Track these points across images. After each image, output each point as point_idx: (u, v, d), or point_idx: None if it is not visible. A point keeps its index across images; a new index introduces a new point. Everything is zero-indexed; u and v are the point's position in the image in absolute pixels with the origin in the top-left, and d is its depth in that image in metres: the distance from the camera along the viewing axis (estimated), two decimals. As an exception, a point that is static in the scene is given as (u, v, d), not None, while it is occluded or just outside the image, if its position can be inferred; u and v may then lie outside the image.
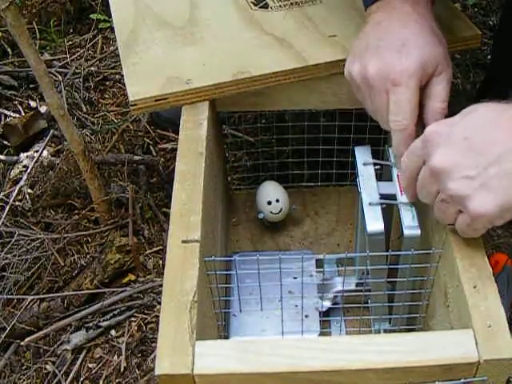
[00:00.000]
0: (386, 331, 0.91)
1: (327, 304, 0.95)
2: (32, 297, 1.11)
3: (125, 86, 0.92)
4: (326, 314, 0.95)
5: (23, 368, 1.05)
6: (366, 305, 0.89)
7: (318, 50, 0.93)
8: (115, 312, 1.09)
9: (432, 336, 0.68)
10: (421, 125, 0.76)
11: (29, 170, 1.31)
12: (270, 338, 0.89)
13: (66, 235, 1.19)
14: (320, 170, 1.11)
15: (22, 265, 1.14)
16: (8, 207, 1.23)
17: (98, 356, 1.06)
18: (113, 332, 1.08)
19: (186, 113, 0.89)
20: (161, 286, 0.73)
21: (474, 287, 0.67)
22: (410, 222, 0.76)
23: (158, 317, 1.06)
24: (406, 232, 0.75)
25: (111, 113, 1.48)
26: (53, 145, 1.40)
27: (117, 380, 1.02)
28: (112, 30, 1.65)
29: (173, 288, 0.68)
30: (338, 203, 1.15)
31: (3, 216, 1.21)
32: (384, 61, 0.76)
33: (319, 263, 1.00)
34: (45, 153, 1.36)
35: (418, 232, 0.75)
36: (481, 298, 0.66)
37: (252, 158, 1.29)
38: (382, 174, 0.84)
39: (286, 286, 0.90)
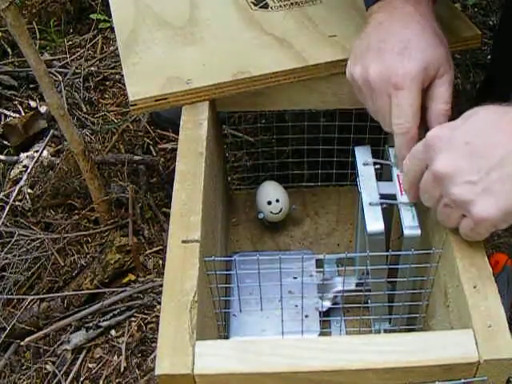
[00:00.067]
0: (386, 331, 0.91)
1: (327, 304, 0.95)
2: (32, 297, 1.11)
3: (125, 86, 0.92)
4: (326, 314, 0.95)
5: (23, 368, 1.05)
6: (366, 305, 0.89)
7: (318, 50, 0.93)
8: (115, 312, 1.09)
9: (432, 336, 0.68)
10: (423, 127, 0.76)
11: (29, 170, 1.31)
12: (270, 338, 0.89)
13: (65, 235, 1.19)
14: (320, 170, 1.11)
15: (22, 265, 1.14)
16: (8, 207, 1.23)
17: (97, 356, 1.06)
18: (113, 332, 1.08)
19: (186, 113, 0.89)
20: (161, 286, 0.73)
21: (474, 287, 0.67)
22: (410, 222, 0.76)
23: (158, 317, 1.06)
24: (406, 232, 0.75)
25: (111, 113, 1.48)
26: (53, 145, 1.40)
27: (117, 380, 1.02)
28: (112, 29, 1.65)
29: (173, 288, 0.68)
30: (338, 203, 1.14)
31: (3, 216, 1.21)
32: (386, 63, 0.76)
33: (319, 263, 1.00)
34: (45, 153, 1.36)
35: (418, 232, 0.75)
36: (481, 298, 0.66)
37: (252, 158, 1.29)
38: (382, 174, 0.84)
39: (285, 286, 0.90)
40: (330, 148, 1.07)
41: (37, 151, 1.37)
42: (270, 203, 1.06)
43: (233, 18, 1.02)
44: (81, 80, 1.53)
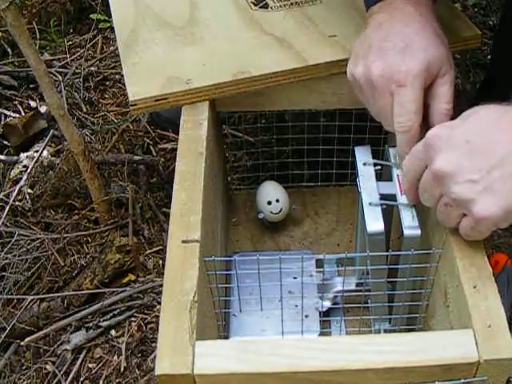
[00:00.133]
0: (386, 331, 0.91)
1: (327, 304, 0.95)
2: (32, 297, 1.11)
3: (125, 86, 0.92)
4: (326, 314, 0.95)
5: (23, 368, 1.05)
6: (366, 305, 0.89)
7: (318, 50, 0.93)
8: (115, 312, 1.09)
9: (432, 336, 0.68)
10: (425, 127, 0.76)
11: (29, 170, 1.31)
12: (270, 338, 0.89)
13: (66, 235, 1.19)
14: (320, 170, 1.11)
15: (22, 265, 1.14)
16: (8, 207, 1.23)
17: (97, 356, 1.06)
18: (113, 332, 1.08)
19: (185, 113, 0.89)
20: (161, 285, 0.73)
21: (474, 287, 0.67)
22: (410, 222, 0.76)
23: (157, 317, 1.06)
24: (406, 232, 0.75)
25: (111, 113, 1.48)
26: (53, 145, 1.40)
27: (117, 380, 1.02)
28: (112, 29, 1.65)
29: (173, 288, 0.68)
30: (338, 203, 1.14)
31: (3, 216, 1.21)
32: (388, 61, 0.76)
33: (319, 263, 1.00)
34: (45, 153, 1.36)
35: (418, 232, 0.75)
36: (481, 298, 0.66)
37: (252, 158, 1.29)
38: (382, 174, 0.84)
39: (285, 286, 0.90)
40: (330, 148, 1.07)
41: (37, 151, 1.37)
42: (270, 203, 1.06)
43: (233, 18, 1.02)
44: (81, 80, 1.53)
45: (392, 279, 0.81)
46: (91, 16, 1.72)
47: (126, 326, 1.08)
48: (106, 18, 1.69)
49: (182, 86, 0.89)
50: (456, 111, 0.75)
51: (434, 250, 0.76)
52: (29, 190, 1.29)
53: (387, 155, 0.83)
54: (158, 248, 1.19)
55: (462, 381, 0.63)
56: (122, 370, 1.03)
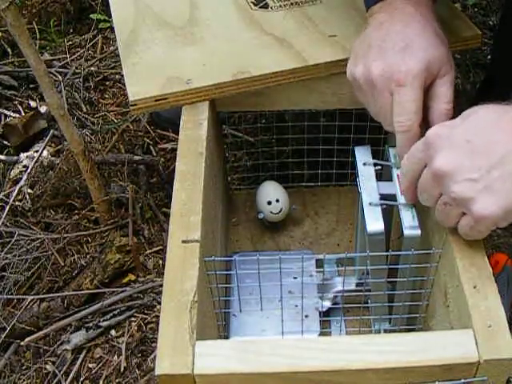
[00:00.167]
0: (386, 331, 0.91)
1: (327, 304, 0.95)
2: (32, 297, 1.11)
3: (125, 86, 0.92)
4: (326, 314, 0.95)
5: (23, 368, 1.05)
6: (366, 305, 0.89)
7: (318, 50, 0.93)
8: (115, 312, 1.09)
9: (432, 336, 0.68)
10: (425, 127, 0.76)
11: (29, 170, 1.31)
12: (270, 338, 0.89)
13: (66, 235, 1.19)
14: (320, 170, 1.11)
15: (22, 265, 1.14)
16: (8, 207, 1.23)
17: (97, 356, 1.06)
18: (113, 332, 1.08)
19: (186, 113, 0.89)
20: (161, 285, 0.73)
21: (474, 287, 0.67)
22: (410, 222, 0.76)
23: (158, 317, 1.06)
24: (406, 232, 0.75)
25: (111, 113, 1.48)
26: (53, 145, 1.40)
27: (117, 380, 1.02)
28: (112, 29, 1.65)
29: (173, 288, 0.68)
30: (337, 203, 1.15)
31: (3, 216, 1.21)
32: (388, 61, 0.76)
33: (319, 263, 1.00)
34: (45, 153, 1.36)
35: (418, 232, 0.75)
36: (481, 298, 0.66)
37: (252, 158, 1.29)
38: (382, 174, 0.84)
39: (285, 286, 0.90)
40: (330, 148, 1.07)
41: (37, 151, 1.37)
42: (270, 203, 1.06)
43: (233, 18, 1.02)
44: (81, 80, 1.53)
45: (392, 279, 0.81)
46: (91, 16, 1.72)
47: (126, 325, 1.08)
48: (106, 18, 1.69)
49: (182, 85, 0.89)
50: (456, 111, 0.75)
51: (433, 250, 0.76)
52: (29, 190, 1.29)
53: (387, 155, 0.83)
54: (158, 248, 1.19)
55: (462, 381, 0.63)
56: (122, 370, 1.03)
